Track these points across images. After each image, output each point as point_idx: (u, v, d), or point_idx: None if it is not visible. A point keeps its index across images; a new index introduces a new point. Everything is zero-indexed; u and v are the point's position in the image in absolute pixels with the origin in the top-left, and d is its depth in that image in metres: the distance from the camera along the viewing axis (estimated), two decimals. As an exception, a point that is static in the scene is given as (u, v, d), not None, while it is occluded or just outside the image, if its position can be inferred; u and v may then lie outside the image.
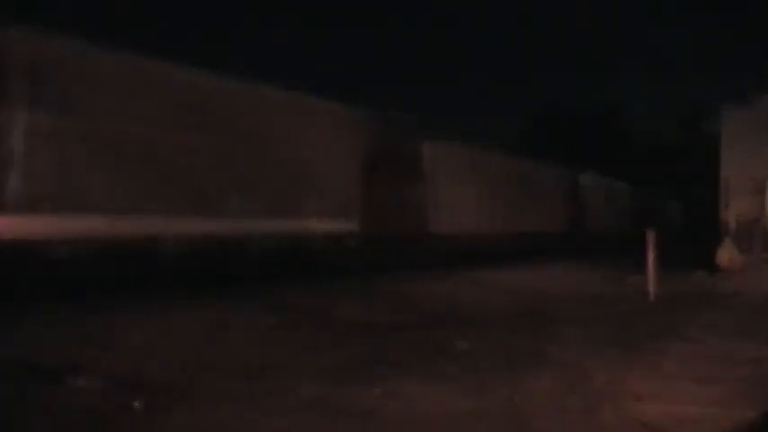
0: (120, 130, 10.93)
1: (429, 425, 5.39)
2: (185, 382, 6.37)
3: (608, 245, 29.82)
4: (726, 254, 19.06)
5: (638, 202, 37.56)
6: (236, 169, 12.93)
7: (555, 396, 6.09)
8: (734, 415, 5.62)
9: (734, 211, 19.59)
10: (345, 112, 16.10)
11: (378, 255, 16.44)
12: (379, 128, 17.08)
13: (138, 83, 11.35)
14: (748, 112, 20.00)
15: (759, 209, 19.73)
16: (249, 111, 13.31)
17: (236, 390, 6.14)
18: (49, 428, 5.15)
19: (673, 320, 10.72)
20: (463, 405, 5.81)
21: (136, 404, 5.60)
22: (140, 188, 11.21)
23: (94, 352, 7.08)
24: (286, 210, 13.99)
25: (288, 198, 14.06)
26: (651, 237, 14.02)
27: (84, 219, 10.46)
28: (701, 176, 31.42)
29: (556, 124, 51.25)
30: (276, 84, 14.51)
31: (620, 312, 11.89)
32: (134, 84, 11.27)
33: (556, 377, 6.76)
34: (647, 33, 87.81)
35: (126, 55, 11.35)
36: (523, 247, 23.29)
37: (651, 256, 13.90)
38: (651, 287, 13.71)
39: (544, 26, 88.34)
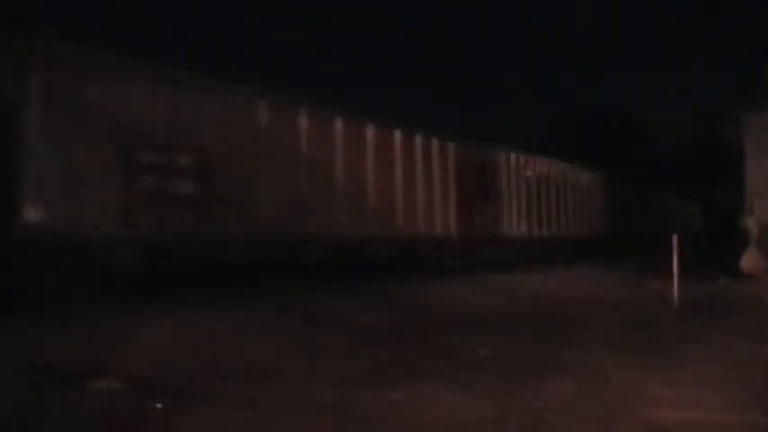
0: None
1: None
2: (202, 384, 6.40)
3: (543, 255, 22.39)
4: (749, 259, 18.86)
5: (621, 199, 31.69)
6: None
7: (576, 402, 6.04)
8: (752, 421, 5.56)
9: (757, 216, 19.35)
10: None
11: None
12: None
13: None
14: None
15: None
16: None
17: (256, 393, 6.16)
18: (68, 430, 5.18)
19: (695, 325, 10.62)
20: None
21: (156, 406, 5.63)
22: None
23: (113, 354, 7.13)
24: None
25: None
26: (675, 241, 13.89)
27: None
28: (720, 179, 31.03)
29: (569, 125, 51.03)
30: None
31: (643, 317, 11.83)
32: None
33: (577, 383, 6.71)
34: (660, 34, 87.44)
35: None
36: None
37: (675, 261, 13.79)
38: (675, 292, 13.59)
39: (558, 27, 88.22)
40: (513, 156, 22.00)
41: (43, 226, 9.83)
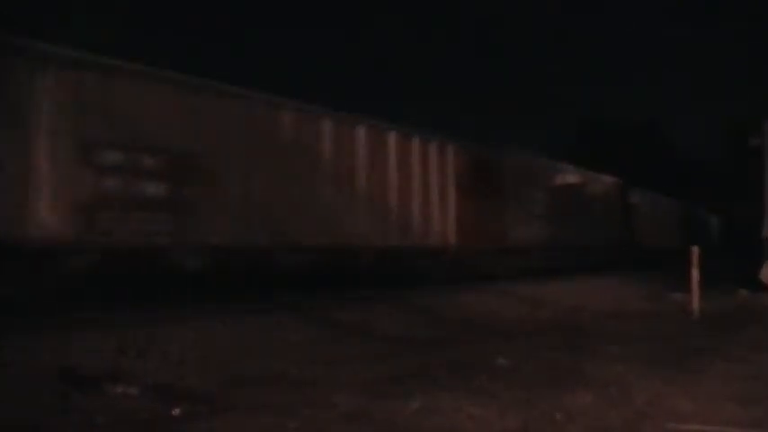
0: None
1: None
2: (221, 390, 6.42)
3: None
4: (768, 271, 18.64)
5: (642, 208, 30.19)
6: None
7: (595, 414, 6.00)
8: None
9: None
10: None
11: None
12: None
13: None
14: None
15: None
16: None
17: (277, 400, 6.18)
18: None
19: (715, 338, 10.54)
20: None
21: (173, 412, 5.65)
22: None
23: (132, 360, 7.17)
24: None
25: None
26: (695, 253, 13.80)
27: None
28: (740, 190, 30.77)
29: (596, 138, 50.94)
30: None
31: (663, 330, 11.75)
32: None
33: (597, 395, 6.66)
34: (687, 46, 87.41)
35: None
36: None
37: (694, 273, 13.69)
38: (695, 304, 13.49)
39: (583, 40, 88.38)
40: (524, 159, 20.81)
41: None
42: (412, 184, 16.50)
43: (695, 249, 13.81)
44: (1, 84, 9.65)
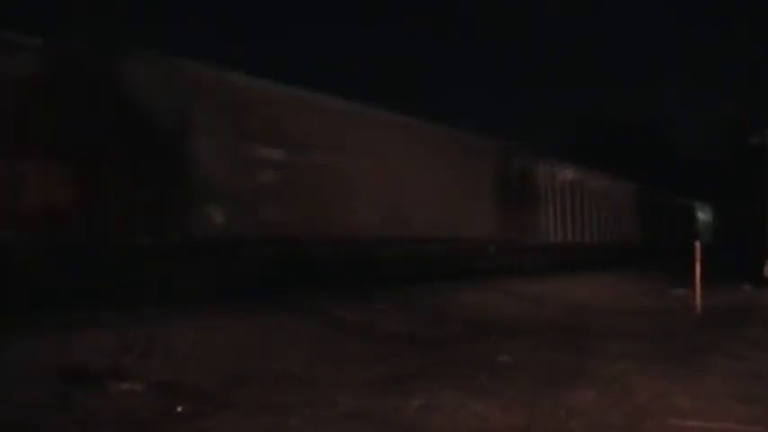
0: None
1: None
2: (224, 389, 6.41)
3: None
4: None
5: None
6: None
7: (598, 411, 5.98)
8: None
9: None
10: None
11: None
12: None
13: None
14: None
15: None
16: None
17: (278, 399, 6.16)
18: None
19: (717, 335, 10.51)
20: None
21: (177, 410, 5.65)
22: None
23: (134, 358, 7.16)
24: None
25: None
26: (698, 249, 13.78)
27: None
28: (743, 187, 30.73)
29: (596, 138, 50.89)
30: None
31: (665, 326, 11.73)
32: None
33: (598, 393, 6.64)
34: (688, 45, 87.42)
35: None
36: None
37: (697, 269, 13.68)
38: (697, 301, 13.48)
39: (583, 40, 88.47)
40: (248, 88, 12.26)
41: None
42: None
43: (697, 245, 13.79)
44: None
